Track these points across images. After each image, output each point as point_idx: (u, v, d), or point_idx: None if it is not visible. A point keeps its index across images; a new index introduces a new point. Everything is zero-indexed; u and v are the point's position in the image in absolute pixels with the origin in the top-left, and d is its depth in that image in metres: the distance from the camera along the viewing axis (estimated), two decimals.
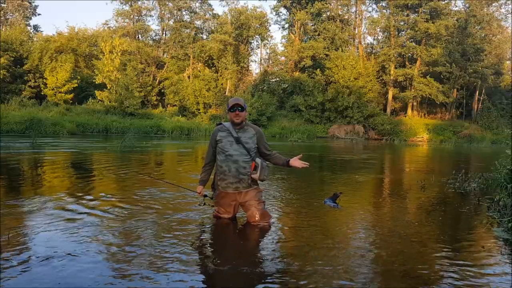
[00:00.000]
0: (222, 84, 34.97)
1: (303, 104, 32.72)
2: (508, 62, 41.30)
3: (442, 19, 34.00)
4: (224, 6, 61.10)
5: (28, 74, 28.62)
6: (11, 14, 38.95)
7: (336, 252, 2.98)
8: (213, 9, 41.60)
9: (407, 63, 36.33)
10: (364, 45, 40.54)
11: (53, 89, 28.06)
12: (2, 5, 37.23)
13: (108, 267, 2.54)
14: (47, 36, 34.26)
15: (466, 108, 37.13)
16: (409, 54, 36.31)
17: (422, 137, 31.78)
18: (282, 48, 41.17)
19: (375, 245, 3.21)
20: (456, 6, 39.65)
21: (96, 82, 29.08)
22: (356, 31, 40.18)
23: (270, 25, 61.15)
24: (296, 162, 3.60)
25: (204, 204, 3.83)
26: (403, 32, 37.46)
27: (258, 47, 43.02)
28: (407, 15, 35.84)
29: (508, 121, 32.70)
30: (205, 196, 3.81)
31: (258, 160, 3.58)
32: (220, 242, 3.27)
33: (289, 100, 34.71)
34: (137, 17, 39.57)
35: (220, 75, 35.44)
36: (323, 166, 10.45)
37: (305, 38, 39.85)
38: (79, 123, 22.10)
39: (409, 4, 34.81)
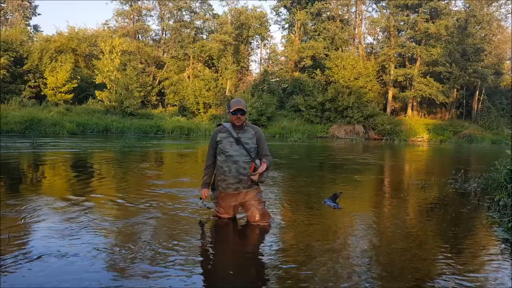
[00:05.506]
0: (222, 84, 34.96)
1: (303, 104, 32.70)
2: (508, 62, 41.28)
3: (442, 19, 33.94)
4: (224, 6, 61.03)
5: (28, 74, 28.63)
6: (11, 14, 38.99)
7: (336, 252, 2.98)
8: (213, 9, 41.66)
9: (407, 63, 36.31)
10: (364, 45, 40.51)
11: (53, 89, 28.06)
12: (2, 5, 37.23)
13: (107, 267, 2.54)
14: (47, 36, 34.21)
15: (466, 108, 37.10)
16: (409, 54, 36.26)
17: (422, 137, 31.74)
18: (282, 48, 41.22)
19: (375, 245, 3.21)
20: (456, 6, 39.67)
21: (96, 82, 29.07)
22: (356, 31, 40.14)
23: (270, 25, 60.94)
24: (256, 176, 3.50)
25: (205, 206, 3.89)
26: (403, 32, 37.42)
27: (258, 47, 43.09)
28: (407, 15, 35.80)
29: (508, 121, 32.67)
30: (205, 206, 3.87)
31: (258, 161, 3.59)
32: (220, 242, 3.27)
33: (289, 100, 34.68)
34: (137, 17, 39.57)
35: (220, 75, 35.44)
36: (323, 166, 10.45)
37: (305, 38, 39.81)
38: (79, 123, 22.07)
39: (409, 4, 34.77)
